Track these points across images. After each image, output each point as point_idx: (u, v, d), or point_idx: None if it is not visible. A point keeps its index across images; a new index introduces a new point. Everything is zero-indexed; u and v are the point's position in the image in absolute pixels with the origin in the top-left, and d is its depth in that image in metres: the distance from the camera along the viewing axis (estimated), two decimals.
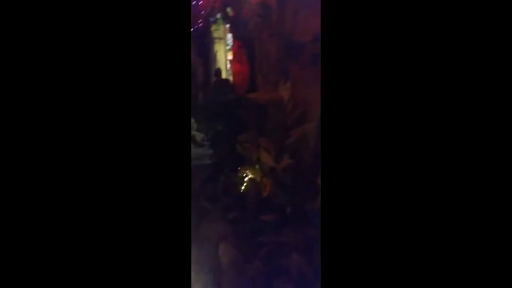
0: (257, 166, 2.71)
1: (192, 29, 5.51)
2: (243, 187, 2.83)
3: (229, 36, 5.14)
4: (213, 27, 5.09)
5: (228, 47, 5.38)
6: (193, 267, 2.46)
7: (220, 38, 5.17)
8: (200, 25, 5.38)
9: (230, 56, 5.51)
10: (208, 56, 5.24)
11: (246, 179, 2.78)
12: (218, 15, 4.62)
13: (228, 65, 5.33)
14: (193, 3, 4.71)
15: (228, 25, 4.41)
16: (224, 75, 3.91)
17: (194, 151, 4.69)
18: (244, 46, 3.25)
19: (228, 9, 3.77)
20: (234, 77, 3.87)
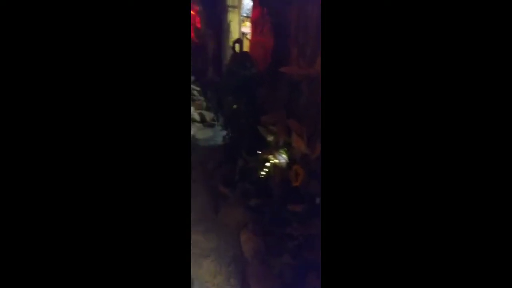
0: (282, 151, 2.47)
1: None
2: (263, 173, 2.61)
3: (246, 3, 4.65)
4: None
5: (243, 16, 4.90)
6: (213, 256, 2.31)
7: (234, 7, 4.67)
8: None
9: (244, 28, 5.05)
10: (220, 27, 4.78)
11: (268, 164, 2.56)
12: None
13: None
14: None
15: None
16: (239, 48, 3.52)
17: (204, 131, 4.44)
18: (269, 14, 2.84)
19: None
20: (252, 50, 3.49)
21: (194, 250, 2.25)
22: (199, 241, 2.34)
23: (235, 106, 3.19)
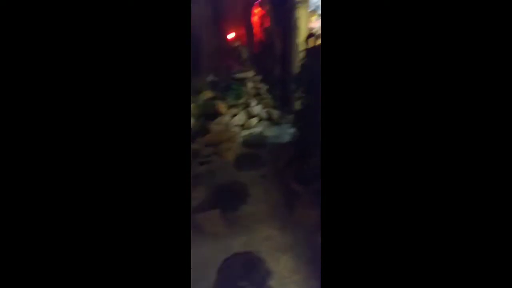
0: None
1: None
2: None
3: None
4: None
5: (311, 10, 4.75)
6: (289, 253, 2.32)
7: (301, 2, 4.57)
8: None
9: (312, 23, 4.89)
10: (288, 24, 4.75)
11: None
12: None
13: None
14: None
15: None
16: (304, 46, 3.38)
17: (271, 129, 4.51)
18: None
19: None
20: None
21: (270, 243, 2.30)
22: (273, 235, 2.38)
23: (308, 102, 3.11)
